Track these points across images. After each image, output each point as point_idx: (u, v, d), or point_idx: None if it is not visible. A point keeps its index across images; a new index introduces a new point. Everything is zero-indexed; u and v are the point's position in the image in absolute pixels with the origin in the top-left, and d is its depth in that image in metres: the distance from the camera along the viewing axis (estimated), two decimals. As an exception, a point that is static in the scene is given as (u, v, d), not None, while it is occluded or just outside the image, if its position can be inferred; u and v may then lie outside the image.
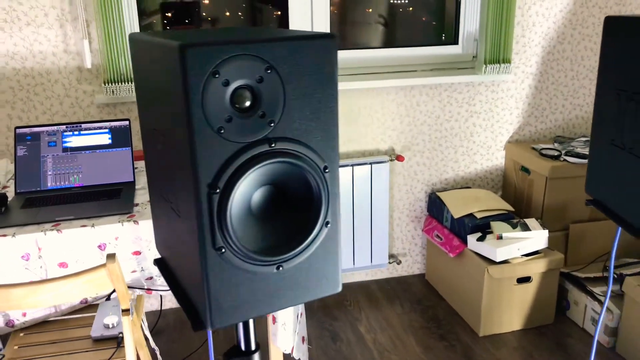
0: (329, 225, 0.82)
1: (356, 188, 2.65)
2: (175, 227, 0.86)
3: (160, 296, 2.64)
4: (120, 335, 1.63)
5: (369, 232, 2.73)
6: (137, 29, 2.40)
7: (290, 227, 0.80)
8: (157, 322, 2.57)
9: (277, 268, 0.80)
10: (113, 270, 1.31)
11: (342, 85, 2.51)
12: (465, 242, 2.50)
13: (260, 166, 0.73)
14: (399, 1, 2.71)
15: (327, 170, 0.80)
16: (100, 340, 1.65)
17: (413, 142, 2.75)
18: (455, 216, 2.56)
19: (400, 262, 2.93)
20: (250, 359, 1.02)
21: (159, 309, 2.65)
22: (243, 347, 1.01)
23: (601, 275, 2.43)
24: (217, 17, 2.53)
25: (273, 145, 0.74)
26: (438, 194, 2.74)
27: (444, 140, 2.78)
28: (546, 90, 2.83)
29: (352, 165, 2.62)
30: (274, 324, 1.81)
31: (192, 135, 0.69)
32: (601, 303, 2.34)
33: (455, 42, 2.78)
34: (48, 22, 2.20)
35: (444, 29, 2.81)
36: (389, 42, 2.75)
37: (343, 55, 2.63)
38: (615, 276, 2.40)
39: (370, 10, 2.69)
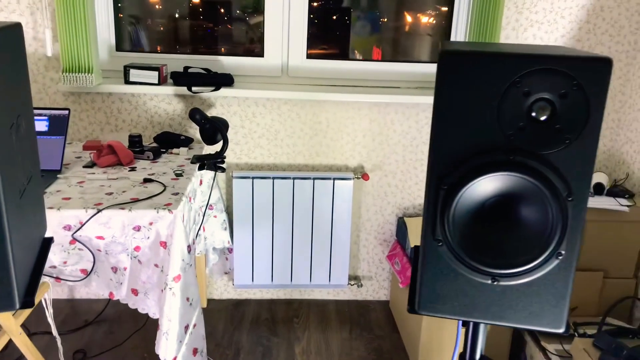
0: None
1: (316, 203, 2.55)
2: None
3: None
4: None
5: (328, 249, 2.62)
6: (111, 23, 2.45)
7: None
8: (104, 310, 2.61)
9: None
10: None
11: (308, 96, 2.42)
12: (417, 274, 2.33)
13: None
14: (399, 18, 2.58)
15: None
16: (-21, 321, 1.68)
17: (385, 161, 2.60)
18: (412, 244, 2.39)
19: (361, 285, 2.79)
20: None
21: (108, 298, 2.69)
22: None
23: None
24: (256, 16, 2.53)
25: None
26: (405, 219, 2.58)
27: (419, 163, 2.61)
28: (541, 121, 2.58)
29: (313, 179, 2.52)
30: (157, 330, 1.77)
31: None
32: (552, 363, 2.09)
33: (445, 61, 2.60)
34: (20, 9, 2.29)
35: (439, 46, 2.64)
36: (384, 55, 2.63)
37: (318, 64, 2.54)
38: (576, 334, 2.14)
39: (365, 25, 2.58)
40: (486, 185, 0.77)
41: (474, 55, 0.73)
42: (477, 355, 0.99)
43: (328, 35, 2.58)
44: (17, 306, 0.82)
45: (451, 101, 0.75)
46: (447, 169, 0.78)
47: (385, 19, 2.58)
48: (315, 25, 2.54)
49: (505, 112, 0.75)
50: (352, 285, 2.78)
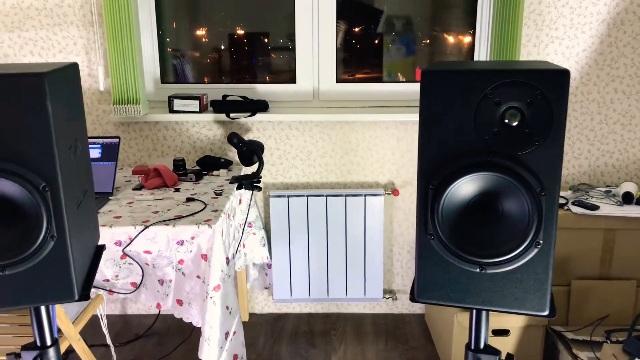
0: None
1: (349, 219, 2.67)
2: None
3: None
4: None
5: (362, 264, 2.73)
6: (156, 58, 2.68)
7: None
8: (153, 324, 2.78)
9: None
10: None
11: (338, 118, 2.57)
12: (448, 285, 2.41)
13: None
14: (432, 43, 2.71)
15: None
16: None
17: (414, 177, 2.71)
18: (443, 257, 2.47)
19: (396, 298, 2.87)
20: (45, 353, 1.15)
21: (157, 312, 2.87)
22: (38, 342, 1.14)
23: (589, 338, 2.20)
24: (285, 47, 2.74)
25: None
26: (436, 232, 2.66)
27: (448, 178, 2.70)
28: (568, 133, 2.64)
29: (345, 196, 2.65)
30: (200, 337, 1.91)
31: None
32: (584, 370, 2.11)
33: (470, 79, 2.70)
34: (76, 49, 2.55)
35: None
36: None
37: (346, 88, 2.69)
38: (608, 341, 2.16)
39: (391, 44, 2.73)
40: (469, 184, 0.88)
41: (450, 73, 0.86)
42: (482, 344, 1.09)
43: (363, 60, 2.73)
44: (76, 297, 0.98)
45: (434, 112, 0.87)
46: (433, 171, 0.89)
47: (428, 41, 2.72)
48: (350, 51, 2.70)
49: (481, 119, 0.86)
50: (387, 298, 2.86)
